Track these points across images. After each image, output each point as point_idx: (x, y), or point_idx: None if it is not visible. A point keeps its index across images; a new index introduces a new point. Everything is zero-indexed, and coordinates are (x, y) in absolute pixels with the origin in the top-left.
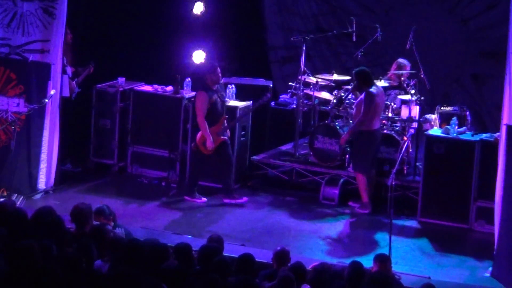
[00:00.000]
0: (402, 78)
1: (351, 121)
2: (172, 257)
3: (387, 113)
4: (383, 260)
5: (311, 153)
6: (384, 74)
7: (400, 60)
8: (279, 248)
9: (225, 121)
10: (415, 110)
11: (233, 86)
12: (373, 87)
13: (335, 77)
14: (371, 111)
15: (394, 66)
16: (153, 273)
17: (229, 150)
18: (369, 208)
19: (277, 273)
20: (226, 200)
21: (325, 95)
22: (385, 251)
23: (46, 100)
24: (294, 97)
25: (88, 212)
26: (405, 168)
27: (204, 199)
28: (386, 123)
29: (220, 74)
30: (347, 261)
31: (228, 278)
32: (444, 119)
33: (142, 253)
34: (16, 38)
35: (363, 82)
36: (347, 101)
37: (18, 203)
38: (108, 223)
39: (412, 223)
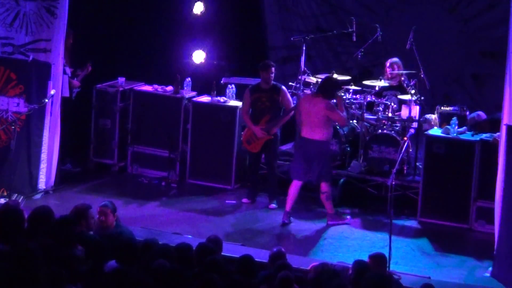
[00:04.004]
0: (402, 78)
1: (351, 121)
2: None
3: (387, 113)
4: (377, 259)
5: None
6: (384, 74)
7: (394, 60)
8: (275, 249)
9: (268, 120)
10: (415, 110)
11: (233, 86)
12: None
13: (335, 77)
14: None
15: (393, 67)
16: (148, 272)
17: (273, 150)
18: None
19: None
20: (272, 206)
21: None
22: (385, 251)
23: (46, 100)
24: (294, 97)
25: (87, 213)
26: (405, 168)
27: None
28: (386, 123)
29: (270, 74)
30: (347, 261)
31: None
32: (444, 119)
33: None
34: (20, 37)
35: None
36: (347, 101)
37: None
38: (113, 219)
39: (412, 223)
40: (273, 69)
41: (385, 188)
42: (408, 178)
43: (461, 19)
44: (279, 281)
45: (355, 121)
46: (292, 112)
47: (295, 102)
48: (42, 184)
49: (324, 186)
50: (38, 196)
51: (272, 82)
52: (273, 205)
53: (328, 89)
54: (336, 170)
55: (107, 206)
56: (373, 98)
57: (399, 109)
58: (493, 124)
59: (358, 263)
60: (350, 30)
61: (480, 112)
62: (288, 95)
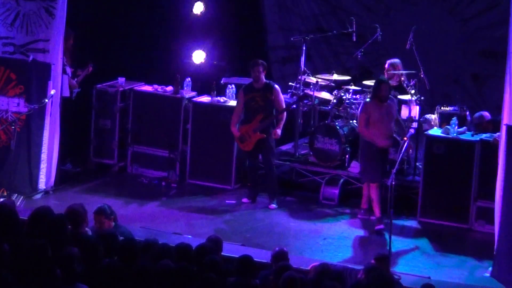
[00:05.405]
0: (403, 78)
1: (351, 121)
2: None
3: None
4: (382, 259)
5: (311, 153)
6: (384, 74)
7: (393, 60)
8: (277, 248)
9: (261, 119)
10: (415, 110)
11: (233, 86)
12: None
13: (335, 77)
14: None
15: (391, 67)
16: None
17: (268, 148)
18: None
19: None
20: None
21: (325, 95)
22: (385, 251)
23: (46, 100)
24: (294, 97)
25: (82, 213)
26: (405, 168)
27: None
28: None
29: (257, 73)
30: (347, 261)
31: (226, 279)
32: (444, 119)
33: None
34: (20, 37)
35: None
36: (347, 101)
37: (18, 203)
38: (109, 223)
39: (412, 223)
40: (260, 68)
41: (385, 188)
42: (408, 178)
43: (461, 19)
44: (283, 282)
45: (355, 121)
46: (285, 113)
47: (288, 101)
48: (42, 184)
49: (366, 187)
50: (38, 196)
51: (265, 80)
52: (273, 205)
53: (373, 89)
54: (336, 170)
55: (101, 213)
56: None
57: (399, 109)
58: (496, 126)
59: (369, 265)
60: (350, 30)
61: (484, 113)
62: (281, 95)
